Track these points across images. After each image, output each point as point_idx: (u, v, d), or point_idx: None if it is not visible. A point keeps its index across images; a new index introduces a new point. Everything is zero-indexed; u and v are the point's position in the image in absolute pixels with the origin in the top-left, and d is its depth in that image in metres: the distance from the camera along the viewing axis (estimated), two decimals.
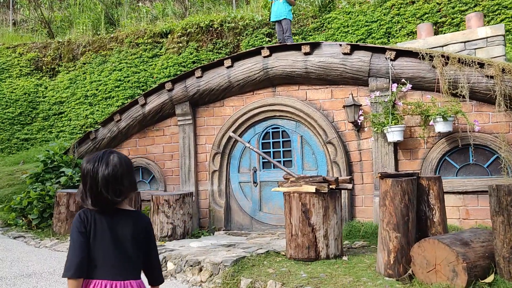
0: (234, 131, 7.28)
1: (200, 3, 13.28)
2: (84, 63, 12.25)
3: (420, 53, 6.01)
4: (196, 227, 7.44)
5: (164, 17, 13.10)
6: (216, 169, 7.45)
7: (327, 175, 6.77)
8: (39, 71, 12.56)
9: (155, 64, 11.59)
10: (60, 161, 8.27)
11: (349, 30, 10.26)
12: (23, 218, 7.91)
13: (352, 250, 5.63)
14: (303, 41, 10.49)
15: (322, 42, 6.76)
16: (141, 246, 1.99)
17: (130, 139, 8.29)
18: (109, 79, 11.60)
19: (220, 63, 7.38)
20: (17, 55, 12.82)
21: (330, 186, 5.10)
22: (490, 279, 3.80)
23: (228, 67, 7.28)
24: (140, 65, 11.65)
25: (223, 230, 7.28)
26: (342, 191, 5.71)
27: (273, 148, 7.24)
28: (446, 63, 5.88)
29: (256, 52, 7.15)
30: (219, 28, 11.59)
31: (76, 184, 7.86)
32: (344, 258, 5.07)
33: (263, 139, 7.32)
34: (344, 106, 6.54)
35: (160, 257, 5.45)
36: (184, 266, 5.15)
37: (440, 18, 9.43)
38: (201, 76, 7.46)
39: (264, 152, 7.05)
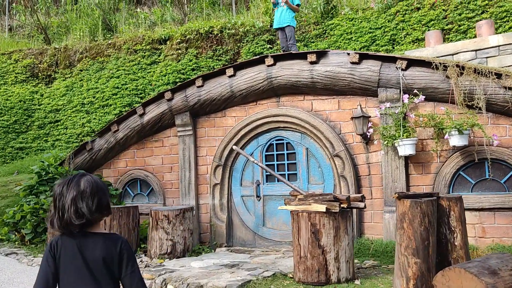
0: (236, 143, 6.92)
1: (199, 9, 12.93)
2: (81, 70, 11.85)
3: (434, 62, 5.67)
4: (196, 242, 7.05)
5: (162, 23, 12.73)
6: (218, 182, 7.07)
7: (334, 190, 6.42)
8: (35, 78, 12.16)
9: (154, 71, 11.21)
10: (55, 172, 7.87)
11: (352, 37, 9.92)
12: (16, 233, 7.50)
13: (363, 270, 5.26)
14: (306, 49, 10.16)
15: (329, 51, 6.41)
16: (114, 269, 1.94)
17: (128, 150, 7.90)
18: (106, 87, 11.21)
19: (221, 72, 7.02)
20: (12, 61, 12.41)
21: (342, 205, 4.74)
22: None
23: (230, 76, 6.91)
24: (138, 72, 11.27)
25: (225, 246, 6.89)
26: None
27: (277, 160, 6.87)
28: (461, 73, 5.54)
29: (260, 60, 6.79)
30: (219, 34, 11.23)
31: None
32: (357, 282, 4.70)
33: (266, 151, 6.95)
34: (352, 118, 6.19)
35: (160, 279, 5.07)
36: None
37: (447, 25, 9.10)
38: (202, 85, 7.10)
39: (267, 165, 6.68)
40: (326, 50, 6.46)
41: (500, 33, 7.69)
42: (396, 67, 5.92)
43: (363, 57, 6.14)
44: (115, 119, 8.01)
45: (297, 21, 10.54)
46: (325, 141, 6.39)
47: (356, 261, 5.60)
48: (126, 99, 10.87)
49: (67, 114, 11.23)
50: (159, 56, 11.50)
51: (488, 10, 8.74)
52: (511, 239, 5.34)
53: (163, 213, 6.42)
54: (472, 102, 5.46)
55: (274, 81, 6.63)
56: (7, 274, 5.83)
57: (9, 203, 8.29)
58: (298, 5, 8.16)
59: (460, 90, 5.51)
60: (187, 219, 6.56)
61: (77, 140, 10.65)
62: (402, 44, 9.42)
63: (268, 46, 10.70)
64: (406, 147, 5.64)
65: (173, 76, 10.85)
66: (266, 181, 6.92)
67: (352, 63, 6.16)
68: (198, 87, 7.11)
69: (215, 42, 11.24)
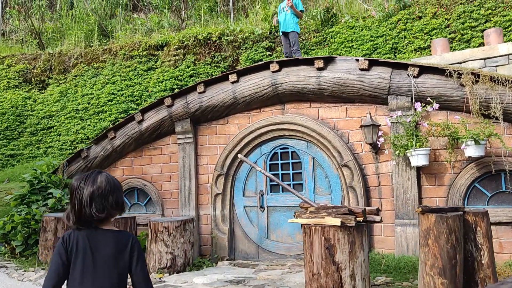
0: (239, 151, 6.54)
1: (197, 16, 12.59)
2: (76, 76, 11.40)
3: (447, 70, 5.37)
4: (196, 255, 6.64)
5: (159, 29, 12.36)
6: (219, 192, 6.68)
7: (342, 201, 6.07)
8: (28, 84, 11.67)
9: (150, 78, 10.80)
10: (48, 181, 7.41)
11: (353, 45, 9.64)
12: (6, 245, 7.00)
13: None
14: (305, 56, 9.85)
15: (336, 57, 6.10)
16: (124, 265, 1.94)
17: (125, 158, 7.48)
18: (101, 93, 10.77)
19: (224, 78, 6.66)
20: (5, 66, 11.92)
21: (357, 219, 4.38)
22: None
23: (233, 82, 6.55)
24: (135, 78, 10.85)
25: (227, 260, 6.48)
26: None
27: (281, 170, 6.51)
28: (476, 81, 5.25)
29: (264, 66, 6.45)
30: (218, 41, 10.88)
31: (65, 207, 7.00)
32: None
33: (270, 160, 6.59)
34: (361, 126, 5.86)
35: None
36: None
37: (450, 34, 8.86)
38: (203, 92, 6.72)
39: (272, 174, 6.31)
40: (334, 56, 6.15)
41: (505, 42, 7.46)
42: (408, 74, 5.61)
43: (372, 63, 5.84)
44: (111, 126, 7.59)
45: None
46: (332, 150, 6.05)
47: None
48: (122, 106, 10.44)
49: (61, 121, 10.76)
50: (156, 62, 11.11)
51: (492, 19, 8.52)
52: None
53: (163, 225, 6.00)
54: (488, 111, 5.17)
55: (279, 88, 6.29)
56: None
57: None
58: (302, 11, 7.86)
59: (475, 98, 5.22)
60: (188, 231, 6.14)
61: (70, 147, 10.18)
62: (404, 53, 9.16)
63: (268, 53, 10.38)
64: (419, 157, 5.32)
65: (171, 83, 10.46)
66: (270, 191, 6.54)
67: (361, 69, 5.84)
68: (200, 93, 6.74)
69: (213, 48, 10.89)
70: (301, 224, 4.64)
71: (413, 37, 9.20)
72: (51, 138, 10.55)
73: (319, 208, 4.64)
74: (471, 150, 5.06)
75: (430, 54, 8.76)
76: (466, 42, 8.67)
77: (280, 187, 6.38)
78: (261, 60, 10.15)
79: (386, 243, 5.74)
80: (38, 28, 13.54)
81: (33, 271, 6.13)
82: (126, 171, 7.44)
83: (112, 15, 13.51)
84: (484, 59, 6.65)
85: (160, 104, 7.02)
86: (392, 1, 9.76)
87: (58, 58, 11.86)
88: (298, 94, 6.28)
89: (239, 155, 5.70)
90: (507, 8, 8.52)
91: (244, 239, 6.61)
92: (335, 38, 9.95)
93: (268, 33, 10.58)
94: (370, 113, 5.87)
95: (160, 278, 5.60)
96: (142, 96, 10.54)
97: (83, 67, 11.45)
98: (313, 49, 10.16)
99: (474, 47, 8.29)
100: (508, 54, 6.46)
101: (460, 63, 6.79)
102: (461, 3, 9.05)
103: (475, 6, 8.81)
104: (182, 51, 10.95)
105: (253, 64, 6.74)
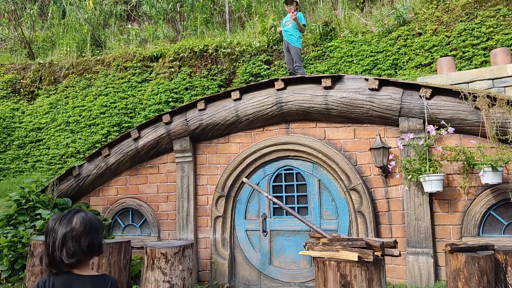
0: (241, 172, 6.16)
1: (193, 27, 12.21)
2: (67, 87, 10.90)
3: (462, 92, 5.08)
4: (194, 282, 6.20)
5: (154, 40, 11.94)
6: (220, 214, 6.27)
7: (350, 226, 5.71)
8: (17, 94, 11.12)
9: (145, 90, 10.36)
10: (37, 200, 6.90)
11: (353, 60, 9.36)
12: None
13: None
14: (306, 69, 9.54)
15: (344, 75, 5.78)
16: None
17: (119, 176, 7.02)
18: (93, 105, 10.29)
19: (226, 95, 6.28)
20: None
21: (375, 253, 4.03)
22: None
23: (235, 100, 6.18)
24: (128, 90, 10.40)
25: (227, 287, 6.06)
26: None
27: (285, 192, 6.13)
28: (493, 105, 4.97)
29: (268, 84, 6.09)
30: (214, 53, 10.51)
31: None
32: None
33: (274, 181, 6.21)
34: (371, 149, 5.53)
35: None
36: None
37: (450, 51, 8.64)
38: (204, 109, 6.33)
39: (275, 197, 5.93)
40: (341, 74, 5.82)
41: None
42: (420, 96, 5.31)
43: (383, 83, 5.52)
44: (105, 142, 7.13)
45: None
46: (340, 172, 5.70)
47: None
48: (115, 118, 9.96)
49: (50, 133, 10.24)
50: (150, 74, 10.68)
51: (494, 37, 8.32)
52: None
53: (161, 251, 5.55)
54: (506, 136, 4.88)
55: (285, 106, 5.94)
56: None
57: None
58: (304, 25, 7.55)
59: (491, 122, 4.93)
60: (187, 257, 5.70)
61: (60, 162, 9.65)
62: (405, 69, 8.91)
63: (266, 66, 10.04)
64: (433, 183, 4.99)
65: (165, 95, 10.03)
66: (274, 214, 6.16)
67: (371, 89, 5.52)
68: (200, 110, 6.35)
69: (209, 61, 10.51)
70: (313, 257, 4.27)
71: (413, 53, 8.96)
72: (39, 152, 10.01)
73: (333, 240, 4.28)
74: (489, 177, 4.76)
75: (432, 72, 8.52)
76: (467, 60, 8.45)
77: (284, 210, 6.00)
78: (258, 73, 9.80)
79: (396, 272, 5.39)
80: (29, 37, 13.01)
81: None
82: (121, 191, 6.98)
83: (106, 25, 13.06)
84: (493, 79, 6.38)
85: (158, 121, 6.60)
86: (391, 17, 9.53)
87: (48, 68, 11.35)
88: (304, 114, 5.93)
89: (244, 179, 5.31)
90: (509, 26, 8.34)
91: (246, 265, 6.20)
92: (334, 52, 9.67)
93: (266, 46, 10.25)
94: (380, 135, 5.54)
95: None
96: (136, 109, 10.09)
97: (74, 78, 10.97)
98: (312, 64, 9.86)
99: (476, 65, 8.08)
100: None
101: (468, 83, 6.52)
102: (461, 21, 8.85)
103: (476, 23, 8.62)
104: (178, 63, 10.55)
105: (258, 82, 6.37)
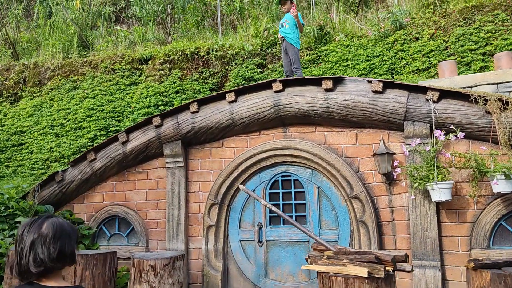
0: (236, 178, 5.75)
1: (184, 30, 11.80)
2: (52, 89, 10.38)
3: (472, 95, 4.76)
4: None
5: (144, 42, 11.49)
6: (213, 223, 5.84)
7: (351, 236, 5.33)
8: None
9: (133, 93, 9.90)
10: (16, 207, 6.38)
11: (348, 64, 9.05)
12: None
13: None
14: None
15: (346, 77, 5.42)
16: None
17: (105, 182, 6.54)
18: (80, 108, 9.78)
19: (221, 97, 5.88)
20: None
21: (387, 269, 3.65)
22: None
23: (230, 102, 5.78)
24: (116, 93, 9.93)
25: None
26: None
27: (283, 200, 5.73)
28: (505, 109, 4.65)
29: (265, 85, 5.70)
30: (206, 56, 10.11)
31: None
32: None
33: (270, 188, 5.81)
34: (374, 155, 5.17)
35: None
36: None
37: (448, 56, 8.38)
38: (197, 111, 5.92)
39: (272, 205, 5.52)
40: (343, 76, 5.46)
41: None
42: (427, 99, 4.98)
43: (387, 85, 5.18)
44: (91, 146, 6.66)
45: None
46: (341, 179, 5.32)
47: None
48: (102, 122, 9.47)
49: (33, 137, 9.69)
50: (139, 76, 10.23)
51: (492, 42, 8.08)
52: None
53: (149, 263, 5.10)
54: None
55: (283, 109, 5.55)
56: None
57: None
58: (303, 24, 7.21)
59: (503, 127, 4.61)
60: (177, 270, 5.26)
61: (43, 167, 9.11)
62: (402, 74, 8.62)
63: (259, 70, 9.67)
64: (441, 192, 4.65)
65: (155, 99, 9.58)
66: (270, 224, 5.75)
67: (375, 92, 5.17)
68: (193, 112, 5.93)
69: (201, 64, 10.10)
70: (317, 272, 3.87)
71: (410, 58, 8.68)
72: (21, 156, 9.46)
73: (338, 253, 3.88)
74: (501, 186, 4.43)
75: (430, 77, 8.25)
76: (466, 65, 8.19)
77: (281, 218, 5.60)
78: (251, 77, 9.43)
79: (401, 286, 5.01)
80: (13, 37, 12.45)
81: None
82: (107, 197, 6.50)
83: (93, 26, 12.57)
84: (497, 83, 6.10)
85: (148, 123, 6.16)
86: (387, 21, 9.26)
87: (33, 70, 10.82)
88: (303, 117, 5.56)
89: (240, 186, 4.89)
90: (508, 32, 8.12)
91: (240, 277, 5.76)
92: (329, 56, 9.35)
93: (259, 49, 9.89)
94: (383, 140, 5.19)
95: None
96: (124, 112, 9.61)
97: (60, 80, 10.45)
98: (307, 67, 9.52)
99: (475, 70, 7.83)
100: None
101: (471, 87, 6.23)
102: (459, 25, 8.61)
103: (474, 28, 8.38)
104: (168, 65, 10.12)
105: (254, 83, 5.98)
